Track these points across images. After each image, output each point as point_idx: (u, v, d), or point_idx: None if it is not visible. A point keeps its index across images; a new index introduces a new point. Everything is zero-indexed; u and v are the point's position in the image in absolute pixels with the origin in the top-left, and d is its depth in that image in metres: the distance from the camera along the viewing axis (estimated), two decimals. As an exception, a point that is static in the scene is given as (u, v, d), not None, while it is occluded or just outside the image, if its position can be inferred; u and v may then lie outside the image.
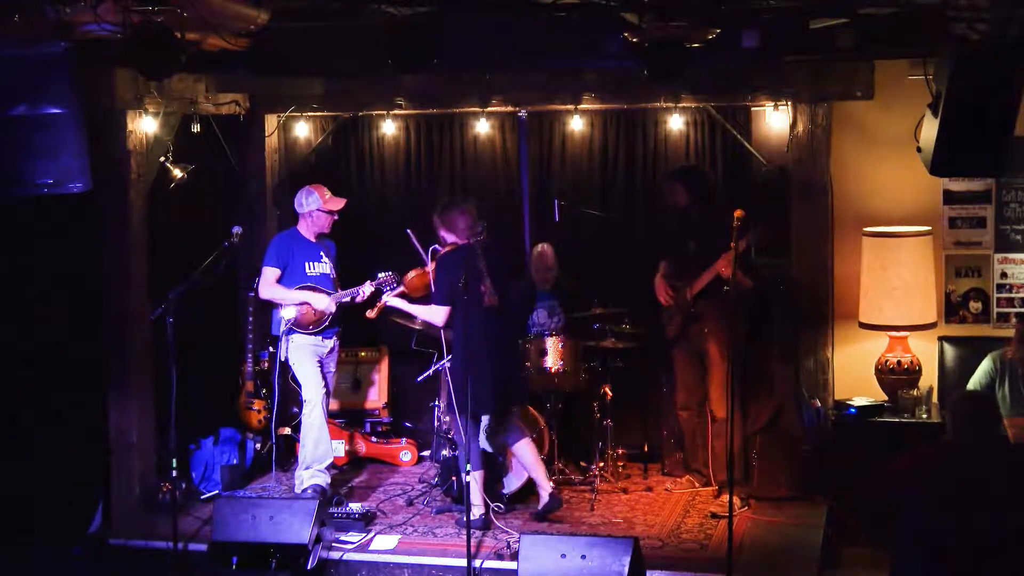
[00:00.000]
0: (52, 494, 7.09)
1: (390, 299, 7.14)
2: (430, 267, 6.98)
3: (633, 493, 7.61)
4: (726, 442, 7.03)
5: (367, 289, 7.28)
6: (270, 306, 7.52)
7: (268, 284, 7.34)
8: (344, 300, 7.35)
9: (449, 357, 6.98)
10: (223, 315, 8.57)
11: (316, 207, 7.36)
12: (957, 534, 5.05)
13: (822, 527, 6.91)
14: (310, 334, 7.35)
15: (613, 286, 8.16)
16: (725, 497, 7.09)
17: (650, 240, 8.17)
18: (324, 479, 7.37)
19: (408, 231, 7.28)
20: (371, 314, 7.24)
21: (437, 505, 7.27)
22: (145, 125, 7.42)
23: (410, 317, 7.27)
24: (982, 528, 5.03)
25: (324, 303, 7.30)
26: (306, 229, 7.45)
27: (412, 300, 7.12)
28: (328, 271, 7.47)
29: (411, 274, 7.17)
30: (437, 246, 6.97)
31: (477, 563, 6.36)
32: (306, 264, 7.40)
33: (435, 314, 6.84)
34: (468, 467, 6.65)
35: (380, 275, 7.29)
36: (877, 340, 7.67)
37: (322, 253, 7.47)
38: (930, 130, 5.62)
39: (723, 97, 7.86)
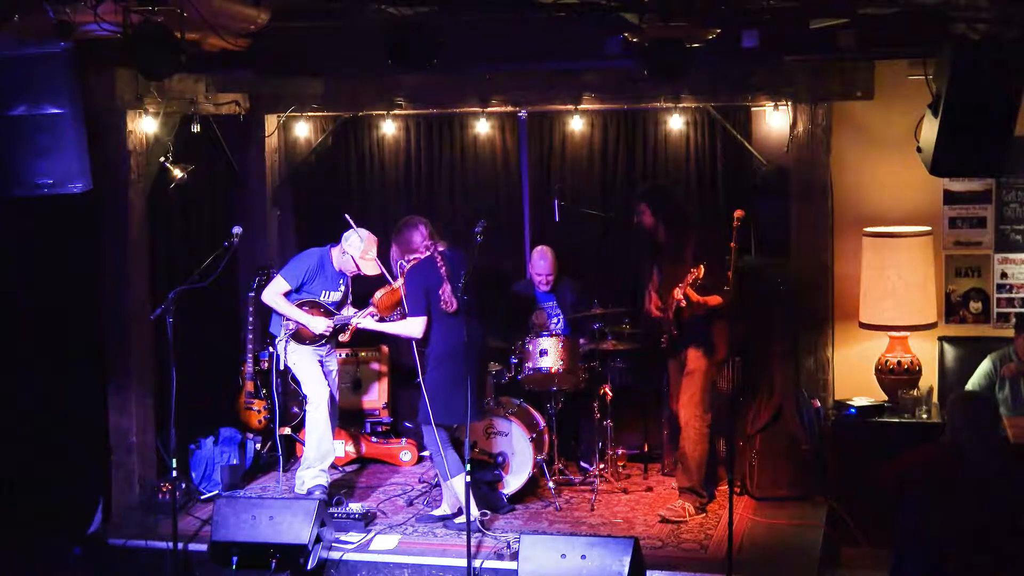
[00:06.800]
0: (52, 494, 7.09)
1: (362, 322, 7.13)
2: (398, 284, 6.97)
3: (633, 493, 7.61)
4: (689, 448, 7.07)
5: (361, 319, 7.22)
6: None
7: (274, 293, 7.30)
8: (341, 323, 7.34)
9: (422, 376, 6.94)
10: (223, 315, 8.57)
11: (353, 254, 7.28)
12: (957, 534, 5.06)
13: (822, 527, 6.91)
14: (307, 345, 7.38)
15: (613, 286, 8.16)
16: (675, 501, 7.17)
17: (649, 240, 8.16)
18: (325, 479, 7.38)
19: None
20: (344, 338, 7.22)
21: (421, 515, 7.22)
22: (145, 125, 7.43)
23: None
24: (982, 528, 5.03)
25: (321, 327, 7.28)
26: (338, 260, 7.38)
27: (382, 319, 7.11)
28: (340, 297, 7.46)
29: (379, 294, 7.11)
30: (403, 262, 6.96)
31: (477, 563, 6.36)
32: (323, 292, 7.38)
33: (413, 327, 6.81)
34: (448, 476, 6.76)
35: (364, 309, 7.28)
36: (877, 340, 7.68)
37: (341, 282, 7.45)
38: (930, 130, 5.62)
39: (723, 97, 7.86)
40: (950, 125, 5.48)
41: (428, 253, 6.81)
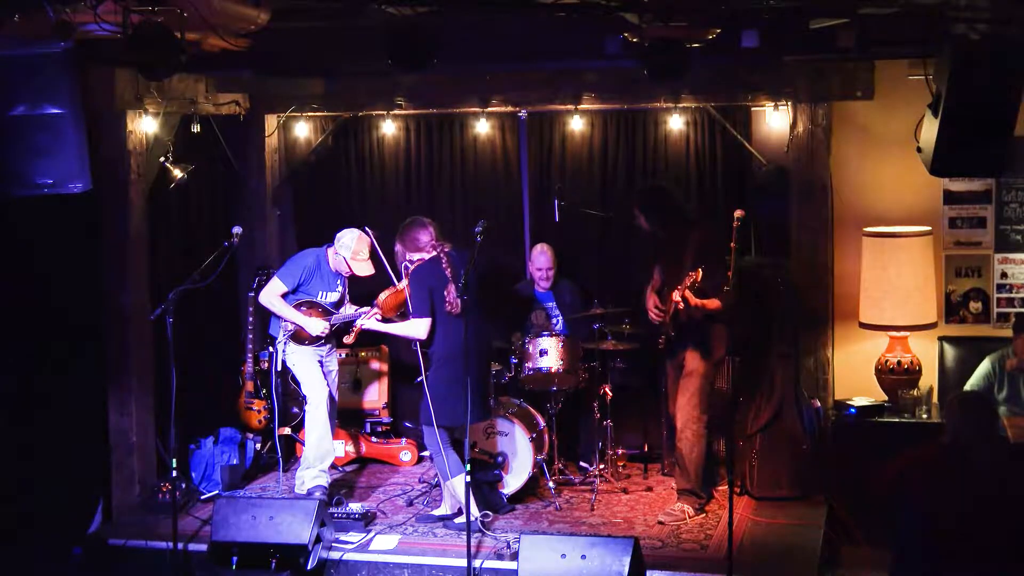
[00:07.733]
0: (52, 494, 7.08)
1: (366, 323, 7.10)
2: (403, 284, 6.97)
3: (633, 493, 7.61)
4: (687, 450, 7.06)
5: (364, 319, 7.20)
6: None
7: (271, 293, 7.31)
8: (340, 323, 7.33)
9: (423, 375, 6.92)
10: (223, 315, 8.58)
11: (345, 255, 7.28)
12: (956, 534, 5.05)
13: (822, 527, 6.91)
14: (306, 346, 7.37)
15: (613, 286, 8.16)
16: (673, 503, 7.17)
17: (650, 240, 8.16)
18: (325, 479, 7.38)
19: (378, 252, 7.28)
20: (349, 340, 7.21)
21: (420, 514, 7.23)
22: (145, 125, 7.43)
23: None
24: (981, 528, 5.03)
25: (318, 329, 7.28)
26: (332, 261, 7.38)
27: (386, 320, 7.10)
28: (337, 298, 7.46)
29: (384, 295, 7.09)
30: (407, 263, 6.95)
31: (477, 563, 6.36)
32: (320, 293, 7.38)
33: (418, 327, 6.79)
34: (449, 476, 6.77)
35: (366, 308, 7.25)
36: (877, 340, 7.68)
37: (338, 282, 7.44)
38: (930, 130, 5.61)
39: (723, 97, 7.87)
40: (950, 125, 5.47)
41: (435, 253, 6.80)
